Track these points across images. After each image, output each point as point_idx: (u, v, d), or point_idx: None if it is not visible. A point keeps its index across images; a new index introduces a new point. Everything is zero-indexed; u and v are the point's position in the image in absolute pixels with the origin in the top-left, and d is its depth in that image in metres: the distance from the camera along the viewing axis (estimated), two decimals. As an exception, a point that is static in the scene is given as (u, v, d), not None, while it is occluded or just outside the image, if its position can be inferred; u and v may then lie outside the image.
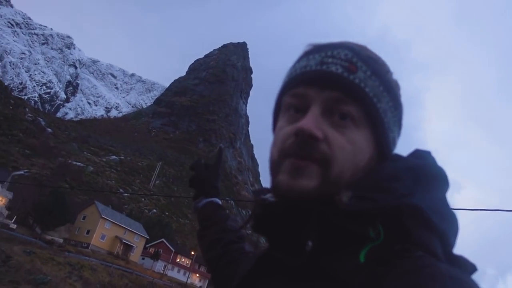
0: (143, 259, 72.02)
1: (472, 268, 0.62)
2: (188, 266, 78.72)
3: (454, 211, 0.66)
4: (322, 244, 0.61)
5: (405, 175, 0.63)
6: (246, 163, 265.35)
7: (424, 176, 0.64)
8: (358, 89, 0.64)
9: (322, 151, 0.62)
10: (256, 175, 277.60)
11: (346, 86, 0.63)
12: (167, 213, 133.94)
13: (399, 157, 0.69)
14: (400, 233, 0.58)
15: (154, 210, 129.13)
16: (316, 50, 0.68)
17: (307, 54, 0.69)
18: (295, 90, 0.67)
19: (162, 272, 69.36)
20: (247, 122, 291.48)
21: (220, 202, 1.23)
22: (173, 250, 76.77)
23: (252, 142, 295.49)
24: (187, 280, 71.21)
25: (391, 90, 0.67)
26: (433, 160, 0.68)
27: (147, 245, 74.71)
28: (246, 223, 0.78)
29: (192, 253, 78.57)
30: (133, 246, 69.36)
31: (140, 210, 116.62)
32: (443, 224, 0.62)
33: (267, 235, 0.69)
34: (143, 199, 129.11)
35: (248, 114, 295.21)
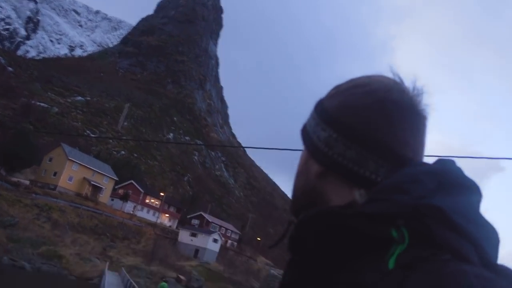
0: (112, 200, 72.82)
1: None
2: (158, 206, 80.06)
3: (490, 221, 0.62)
4: (341, 250, 0.60)
5: (426, 178, 0.61)
6: (216, 105, 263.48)
7: (447, 181, 0.62)
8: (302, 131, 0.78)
9: None
10: (225, 117, 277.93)
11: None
12: (135, 155, 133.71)
13: (421, 163, 0.67)
14: (424, 235, 0.56)
15: (123, 152, 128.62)
16: None
17: None
18: None
19: (131, 212, 70.39)
20: (217, 64, 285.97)
21: None
22: (142, 191, 77.80)
23: (221, 84, 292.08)
24: (156, 220, 72.65)
25: (321, 118, 0.73)
26: (458, 168, 0.66)
27: (116, 187, 75.28)
28: (279, 241, 0.80)
29: (162, 194, 79.58)
30: (102, 187, 69.78)
31: (108, 152, 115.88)
32: (475, 230, 0.58)
33: (292, 253, 0.69)
34: (111, 141, 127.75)
35: (218, 55, 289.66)
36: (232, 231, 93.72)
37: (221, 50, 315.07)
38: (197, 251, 64.48)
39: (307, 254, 0.64)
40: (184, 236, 67.45)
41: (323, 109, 0.73)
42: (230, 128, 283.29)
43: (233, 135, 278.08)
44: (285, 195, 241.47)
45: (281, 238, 0.76)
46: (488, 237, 0.60)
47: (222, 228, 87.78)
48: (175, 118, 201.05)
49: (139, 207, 75.78)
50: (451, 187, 0.61)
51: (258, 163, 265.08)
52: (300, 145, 0.76)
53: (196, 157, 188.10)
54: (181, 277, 43.45)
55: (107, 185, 71.64)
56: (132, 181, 77.34)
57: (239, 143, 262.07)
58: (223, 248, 73.72)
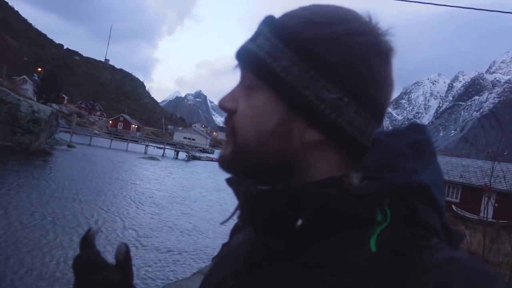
0: None
1: (462, 237, 0.62)
2: None
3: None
4: (320, 227, 0.58)
5: (408, 152, 0.61)
6: None
7: (424, 151, 0.63)
8: (247, 54, 0.63)
9: (231, 121, 0.64)
10: None
11: (241, 56, 0.64)
12: None
13: (399, 131, 0.66)
14: (407, 213, 0.56)
15: None
16: None
17: None
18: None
19: None
20: None
21: None
22: None
23: None
24: None
25: (296, 44, 0.60)
26: (429, 134, 0.67)
27: None
28: (233, 214, 0.72)
29: None
30: None
31: None
32: (442, 199, 0.61)
33: (256, 226, 0.62)
34: None
35: None
36: None
37: None
38: None
39: (285, 232, 0.58)
40: None
41: (290, 34, 0.61)
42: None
43: None
44: None
45: (248, 210, 0.64)
46: (444, 198, 0.63)
47: None
48: None
49: None
50: (426, 156, 0.63)
51: None
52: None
53: None
54: None
55: None
56: None
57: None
58: None
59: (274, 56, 0.61)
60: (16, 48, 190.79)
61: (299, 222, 0.57)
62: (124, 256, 0.81)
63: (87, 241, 0.80)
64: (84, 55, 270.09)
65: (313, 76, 0.60)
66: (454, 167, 31.25)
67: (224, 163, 0.65)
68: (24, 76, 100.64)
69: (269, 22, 0.64)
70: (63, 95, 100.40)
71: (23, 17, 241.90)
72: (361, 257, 0.53)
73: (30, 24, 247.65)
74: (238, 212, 0.68)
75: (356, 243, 0.54)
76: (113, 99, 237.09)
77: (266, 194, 0.60)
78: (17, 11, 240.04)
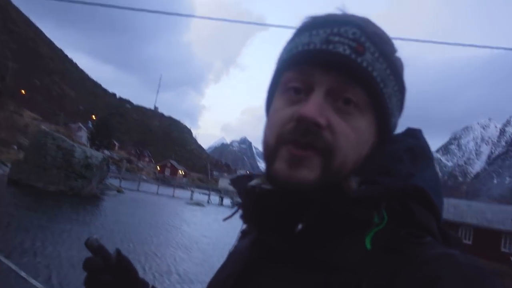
0: None
1: (459, 240, 0.62)
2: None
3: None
4: (320, 231, 0.58)
5: (406, 157, 0.63)
6: None
7: (420, 155, 0.64)
8: (365, 73, 0.58)
9: (325, 139, 0.57)
10: None
11: (353, 70, 0.58)
12: None
13: (396, 138, 0.67)
14: (403, 216, 0.57)
15: None
16: (319, 24, 0.62)
17: (309, 28, 0.63)
18: (296, 69, 0.61)
19: None
20: None
21: None
22: None
23: None
24: None
25: (397, 72, 0.62)
26: (425, 139, 0.68)
27: None
28: (235, 212, 0.72)
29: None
30: None
31: None
32: (439, 202, 0.61)
33: (258, 224, 0.64)
34: None
35: None
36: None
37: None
38: None
39: (286, 233, 0.60)
40: None
41: (392, 58, 0.62)
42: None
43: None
44: (52, 42, 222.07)
45: (237, 209, 0.70)
46: (441, 202, 0.63)
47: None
48: None
49: None
50: (423, 160, 0.64)
51: (15, 2, 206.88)
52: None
53: None
54: None
55: None
56: None
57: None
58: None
59: (384, 81, 0.60)
60: (73, 98, 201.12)
61: (300, 224, 0.58)
62: (116, 257, 0.80)
63: (91, 249, 0.79)
64: (135, 103, 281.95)
65: (400, 105, 0.65)
66: (510, 215, 29.56)
67: (305, 187, 0.58)
68: (79, 124, 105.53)
69: (373, 39, 0.60)
70: (115, 142, 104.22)
71: (80, 69, 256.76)
72: (356, 255, 0.54)
73: (87, 75, 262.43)
74: (241, 211, 0.68)
75: (352, 243, 0.56)
76: (161, 145, 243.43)
77: (269, 193, 0.61)
78: (75, 63, 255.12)
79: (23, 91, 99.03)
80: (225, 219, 0.79)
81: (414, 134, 0.68)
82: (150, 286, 0.86)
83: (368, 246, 0.54)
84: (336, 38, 0.59)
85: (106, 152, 68.78)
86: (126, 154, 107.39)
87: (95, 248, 0.80)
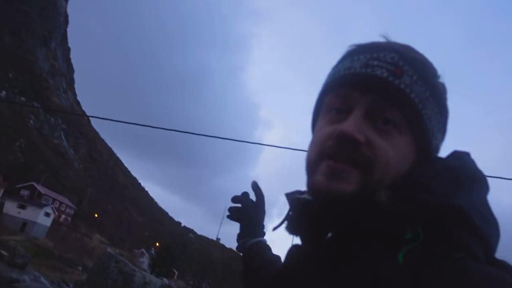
0: None
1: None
2: None
3: (495, 215, 0.63)
4: (349, 240, 0.60)
5: (445, 176, 0.61)
6: (60, 67, 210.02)
7: (464, 177, 0.62)
8: (402, 94, 0.62)
9: (364, 155, 0.60)
10: (71, 81, 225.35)
11: (391, 91, 0.62)
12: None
13: (438, 158, 0.67)
14: (440, 234, 0.56)
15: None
16: (361, 51, 0.67)
17: (351, 55, 0.68)
18: (338, 92, 0.66)
19: None
20: (66, 22, 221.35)
21: (267, 244, 1.15)
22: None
23: (70, 45, 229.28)
24: None
25: (437, 95, 0.65)
26: (472, 162, 0.66)
27: None
28: (282, 222, 0.75)
29: None
30: None
31: None
32: (486, 227, 0.59)
33: (300, 234, 0.67)
34: None
35: (68, 13, 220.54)
36: (67, 205, 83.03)
37: (73, 8, 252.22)
38: (24, 224, 57.41)
39: (317, 242, 0.64)
40: (10, 208, 58.90)
41: (432, 81, 0.65)
42: (75, 94, 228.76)
43: (78, 102, 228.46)
44: (128, 171, 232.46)
45: (284, 220, 0.74)
46: (494, 231, 0.61)
47: (56, 201, 76.66)
48: (10, 75, 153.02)
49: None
50: (467, 182, 0.61)
51: (102, 135, 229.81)
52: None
53: (32, 121, 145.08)
54: (3, 252, 34.83)
55: None
56: None
57: (84, 112, 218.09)
58: (56, 223, 66.27)
59: (423, 103, 0.63)
60: (140, 224, 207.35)
61: (329, 234, 0.61)
62: (257, 194, 1.18)
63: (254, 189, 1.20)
64: (199, 233, 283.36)
65: (441, 128, 0.66)
66: None
67: (342, 199, 0.60)
68: (143, 249, 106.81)
69: (412, 63, 0.64)
70: (174, 270, 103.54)
71: (151, 197, 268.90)
72: (387, 268, 0.54)
73: (156, 203, 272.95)
74: (287, 222, 0.71)
75: (383, 256, 0.56)
76: (220, 278, 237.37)
77: (308, 204, 0.65)
78: (147, 191, 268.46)
79: (96, 215, 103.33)
80: (274, 229, 0.81)
81: (459, 156, 0.67)
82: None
83: (400, 260, 0.54)
84: (375, 62, 0.63)
85: (165, 280, 68.14)
86: (184, 284, 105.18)
87: (256, 188, 1.18)
